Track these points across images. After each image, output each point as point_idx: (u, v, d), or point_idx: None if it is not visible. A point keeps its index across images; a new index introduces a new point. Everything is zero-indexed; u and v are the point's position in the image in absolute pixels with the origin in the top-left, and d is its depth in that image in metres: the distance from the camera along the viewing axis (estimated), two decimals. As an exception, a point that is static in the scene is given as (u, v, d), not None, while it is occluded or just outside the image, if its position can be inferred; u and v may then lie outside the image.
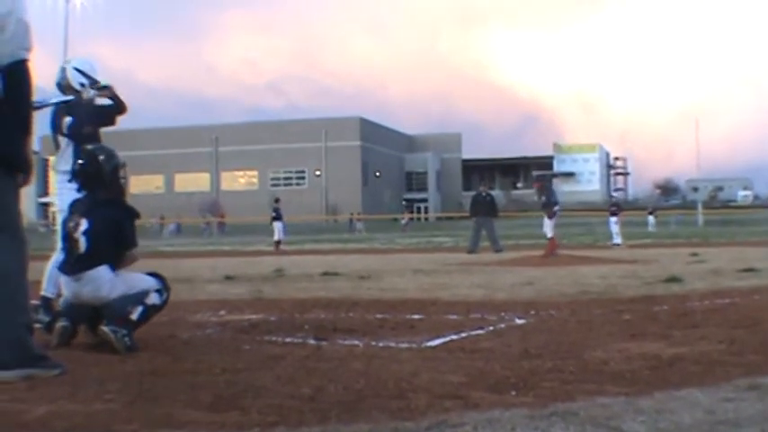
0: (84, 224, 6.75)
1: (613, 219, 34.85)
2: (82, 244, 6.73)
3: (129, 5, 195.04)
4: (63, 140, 8.55)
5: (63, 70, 8.69)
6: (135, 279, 6.92)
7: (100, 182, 6.97)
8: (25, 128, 5.46)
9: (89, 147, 7.40)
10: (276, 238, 37.67)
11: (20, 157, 5.46)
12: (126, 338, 6.51)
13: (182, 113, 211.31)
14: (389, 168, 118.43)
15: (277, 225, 37.85)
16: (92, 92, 8.64)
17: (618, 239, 33.61)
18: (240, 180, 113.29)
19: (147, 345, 6.71)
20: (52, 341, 6.64)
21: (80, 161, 7.09)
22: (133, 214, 7.04)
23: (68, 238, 6.84)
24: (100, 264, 6.69)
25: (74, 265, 6.74)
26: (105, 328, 6.53)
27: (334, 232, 76.93)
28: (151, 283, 6.96)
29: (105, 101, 8.76)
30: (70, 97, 8.59)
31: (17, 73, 5.39)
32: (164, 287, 7.01)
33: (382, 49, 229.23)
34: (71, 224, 6.84)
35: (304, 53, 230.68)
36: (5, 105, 5.33)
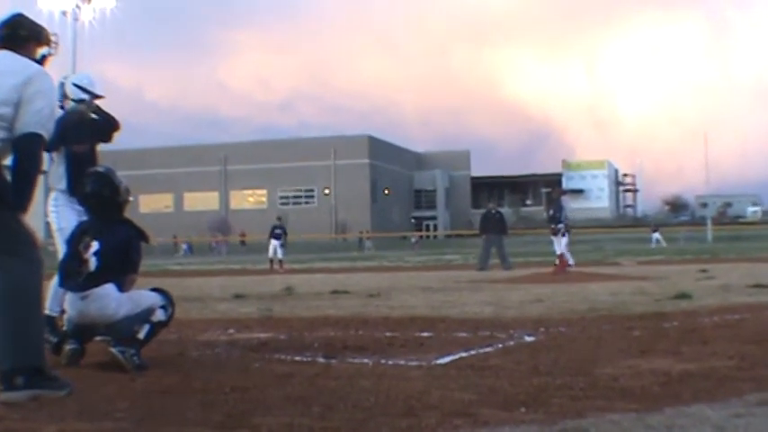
0: (95, 245, 6.77)
1: (564, 239, 33.31)
2: (92, 263, 6.74)
3: (138, 24, 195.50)
4: (56, 156, 8.45)
5: (62, 86, 8.60)
6: (141, 296, 6.93)
7: (113, 205, 7.00)
8: (23, 203, 5.53)
9: (99, 169, 7.38)
10: (270, 255, 37.70)
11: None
12: (135, 357, 6.52)
13: (192, 132, 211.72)
14: (398, 186, 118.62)
15: (273, 243, 37.77)
16: (71, 104, 8.52)
17: (570, 259, 32.25)
18: (249, 199, 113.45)
19: (157, 363, 6.73)
20: (61, 362, 6.64)
21: (90, 184, 7.09)
22: (143, 237, 7.07)
23: (76, 258, 6.84)
24: (107, 282, 6.71)
25: (82, 282, 6.75)
26: (113, 350, 6.55)
27: (343, 250, 76.94)
28: (156, 299, 6.96)
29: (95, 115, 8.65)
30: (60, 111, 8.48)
31: (30, 145, 5.54)
32: (168, 303, 7.02)
33: (393, 67, 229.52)
34: (81, 245, 6.84)
35: (315, 72, 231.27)
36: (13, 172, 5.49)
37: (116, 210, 7.03)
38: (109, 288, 6.71)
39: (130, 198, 7.20)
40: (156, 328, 6.88)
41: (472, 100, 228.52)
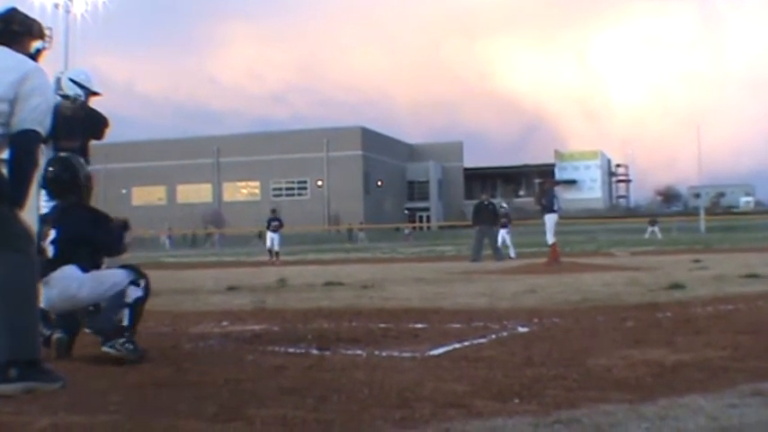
0: (52, 234, 6.75)
1: (504, 230, 33.72)
2: (49, 252, 6.72)
3: (131, 17, 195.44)
4: (45, 150, 8.32)
5: (58, 81, 8.54)
6: (103, 274, 6.79)
7: (74, 189, 6.97)
8: (20, 199, 5.53)
9: (62, 155, 7.36)
10: (268, 246, 37.87)
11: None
12: (126, 345, 6.47)
13: (185, 125, 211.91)
14: (391, 178, 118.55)
15: (269, 235, 37.92)
16: (58, 99, 8.43)
17: (512, 252, 32.72)
18: (242, 191, 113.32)
19: (150, 356, 6.71)
20: (51, 354, 6.62)
21: (51, 168, 7.04)
22: (103, 219, 6.99)
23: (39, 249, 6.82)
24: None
25: (42, 270, 6.72)
26: (105, 348, 6.48)
27: (336, 242, 76.93)
28: (121, 276, 6.74)
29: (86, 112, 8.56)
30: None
31: (28, 142, 5.53)
32: (138, 276, 6.77)
33: (386, 59, 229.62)
34: (43, 234, 6.82)
35: (308, 64, 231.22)
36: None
37: (76, 195, 6.98)
38: (68, 269, 6.64)
39: (93, 185, 7.14)
40: (137, 306, 6.69)
41: (465, 91, 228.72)
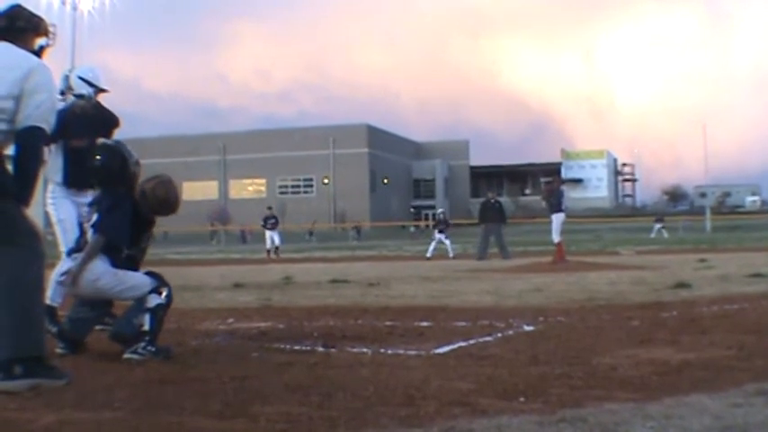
0: (94, 217, 6.73)
1: (441, 235, 33.42)
2: (90, 235, 6.70)
3: (138, 13, 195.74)
4: (54, 149, 8.27)
5: (66, 78, 8.54)
6: (126, 274, 6.69)
7: (122, 178, 6.91)
8: (26, 196, 5.55)
9: (108, 142, 7.33)
10: (267, 246, 38.13)
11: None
12: (149, 347, 6.45)
13: (192, 122, 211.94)
14: (397, 175, 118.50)
15: (268, 233, 38.09)
16: (72, 99, 8.46)
17: (450, 252, 32.58)
18: (248, 188, 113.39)
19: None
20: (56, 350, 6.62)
21: (99, 156, 6.99)
22: (143, 222, 6.94)
23: (82, 230, 6.85)
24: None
25: (77, 248, 6.76)
26: (127, 355, 6.45)
27: (342, 240, 76.91)
28: (142, 281, 6.70)
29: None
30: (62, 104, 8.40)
31: (32, 138, 5.54)
32: (161, 284, 6.73)
33: (392, 57, 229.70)
34: (87, 218, 6.82)
35: (315, 62, 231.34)
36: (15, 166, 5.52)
37: (124, 182, 6.90)
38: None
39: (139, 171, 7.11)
40: (158, 312, 6.61)
41: (471, 89, 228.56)
